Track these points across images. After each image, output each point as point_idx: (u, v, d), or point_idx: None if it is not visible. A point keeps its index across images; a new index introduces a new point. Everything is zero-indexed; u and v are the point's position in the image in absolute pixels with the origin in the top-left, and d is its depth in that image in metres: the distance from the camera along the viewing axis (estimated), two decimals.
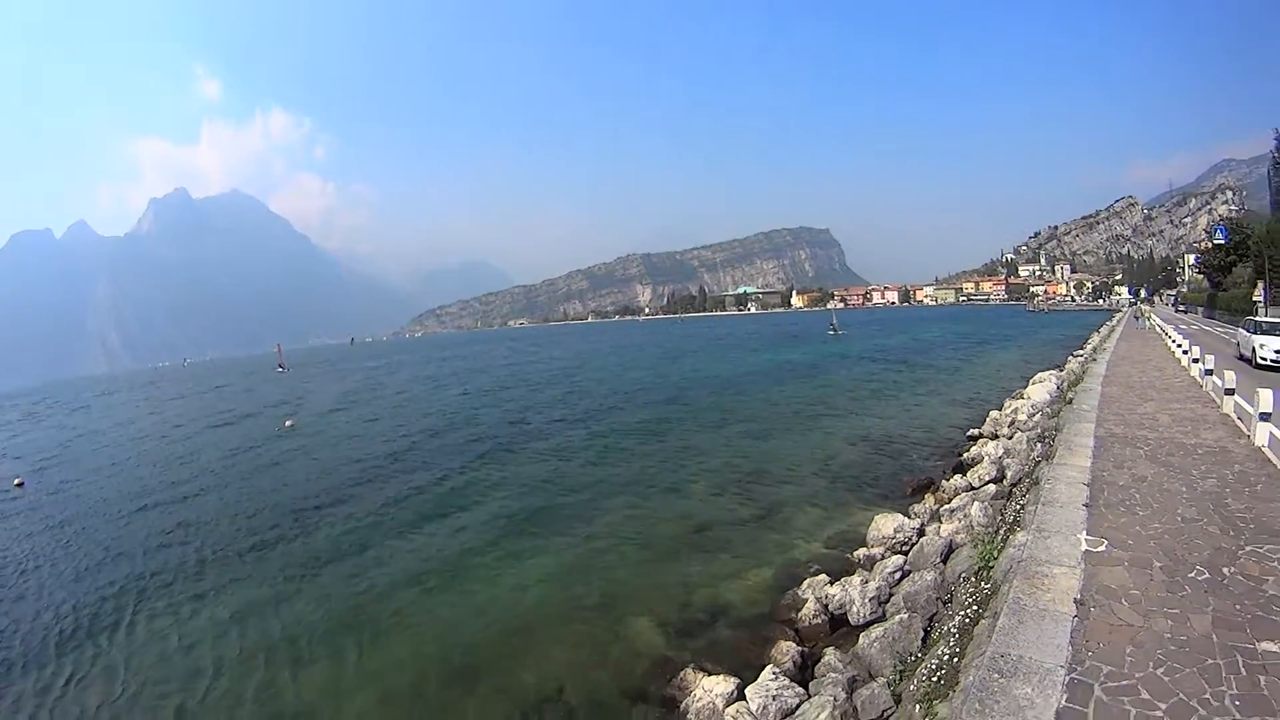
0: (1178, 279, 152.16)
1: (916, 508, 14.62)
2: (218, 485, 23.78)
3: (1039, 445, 14.63)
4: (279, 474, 24.95)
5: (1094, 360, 28.91)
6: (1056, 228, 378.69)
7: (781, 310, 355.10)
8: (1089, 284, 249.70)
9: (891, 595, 10.09)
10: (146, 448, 35.70)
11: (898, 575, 10.72)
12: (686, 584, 12.35)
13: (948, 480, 16.46)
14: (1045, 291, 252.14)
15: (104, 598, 14.19)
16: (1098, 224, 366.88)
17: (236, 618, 12.65)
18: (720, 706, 8.01)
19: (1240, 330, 28.53)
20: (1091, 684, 5.24)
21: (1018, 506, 10.22)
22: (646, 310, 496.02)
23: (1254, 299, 48.86)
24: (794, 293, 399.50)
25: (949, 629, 7.14)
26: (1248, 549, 7.40)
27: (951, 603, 8.50)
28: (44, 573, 16.25)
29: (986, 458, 16.71)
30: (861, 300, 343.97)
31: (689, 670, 8.96)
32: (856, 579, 10.63)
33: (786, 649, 9.14)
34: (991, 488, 14.07)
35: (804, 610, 10.42)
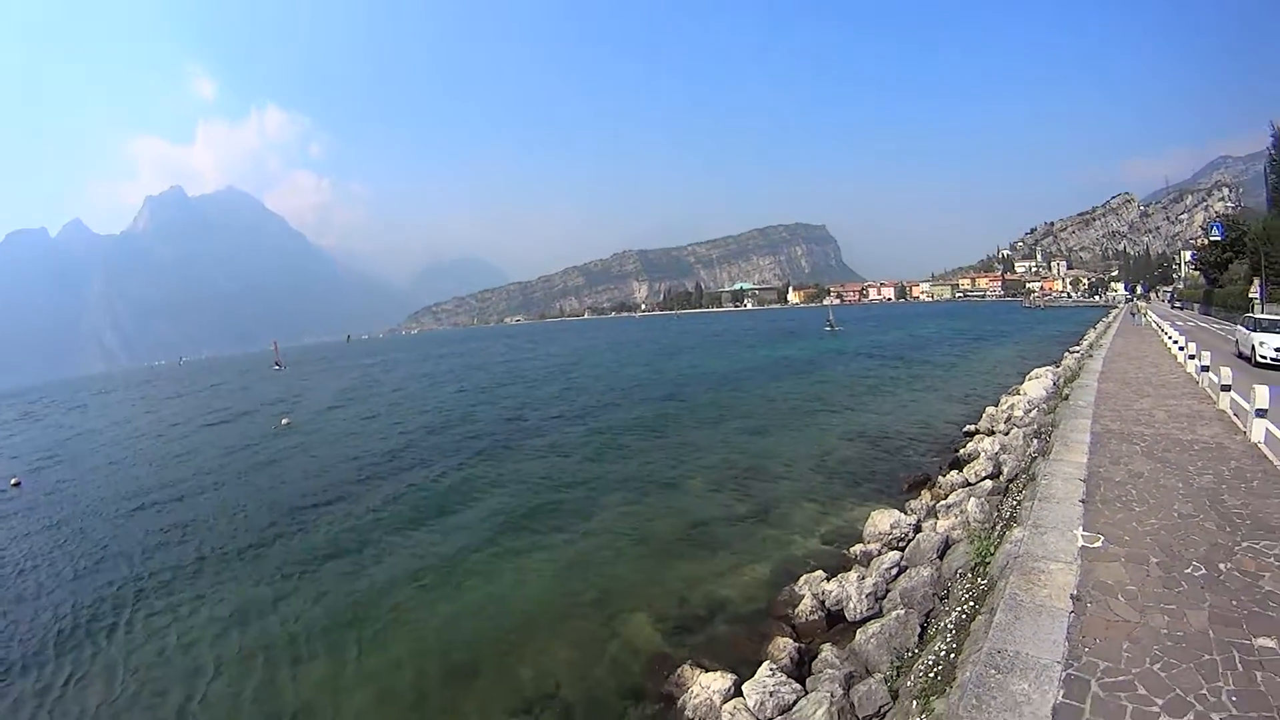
0: (1174, 275, 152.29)
1: (913, 504, 14.66)
2: (215, 484, 23.75)
3: (1035, 441, 14.64)
4: (276, 472, 24.92)
5: (1090, 356, 28.92)
6: (1053, 224, 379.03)
7: (778, 307, 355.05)
8: (1085, 280, 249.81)
9: (888, 591, 10.09)
10: (143, 446, 35.63)
11: (894, 571, 10.73)
12: (684, 580, 12.37)
13: (944, 476, 16.47)
14: (1041, 288, 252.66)
15: (102, 597, 14.18)
16: (1094, 220, 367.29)
17: (235, 616, 12.66)
18: (718, 703, 8.02)
19: (1239, 328, 27.81)
20: (1088, 680, 5.24)
21: (1014, 502, 10.22)
22: (643, 307, 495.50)
23: (1250, 295, 48.90)
24: (790, 289, 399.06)
25: (946, 625, 7.14)
26: (1244, 545, 7.41)
27: (948, 599, 8.50)
28: (42, 572, 16.23)
29: (983, 454, 16.71)
30: (858, 296, 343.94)
31: (686, 667, 8.97)
32: (853, 575, 10.65)
33: (783, 645, 9.14)
34: (988, 484, 14.07)
35: (801, 606, 10.43)
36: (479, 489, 19.98)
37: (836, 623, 10.08)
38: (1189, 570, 6.90)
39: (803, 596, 10.67)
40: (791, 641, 9.31)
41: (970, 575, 8.15)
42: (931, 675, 6.11)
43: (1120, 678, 5.23)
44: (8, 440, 46.19)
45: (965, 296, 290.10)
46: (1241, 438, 12.20)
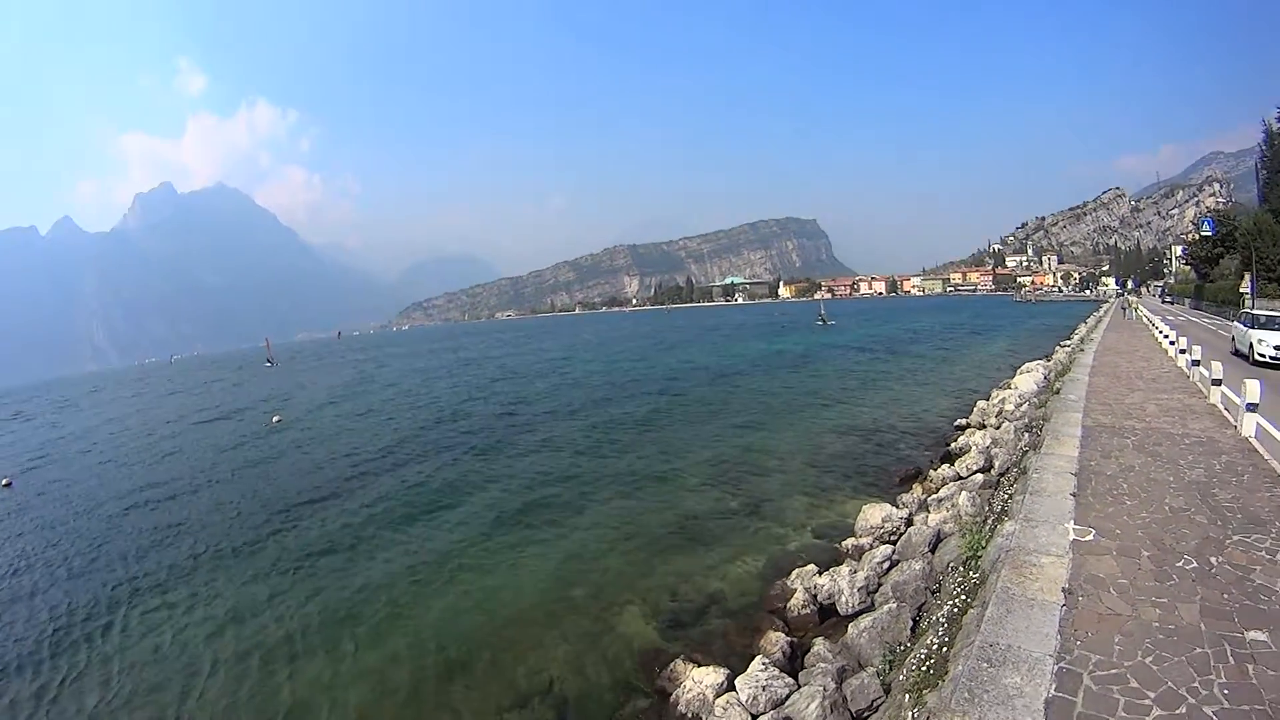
0: (1165, 270, 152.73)
1: (904, 497, 14.67)
2: (207, 482, 23.64)
3: (1026, 435, 14.66)
4: (269, 470, 24.81)
5: (1081, 350, 29.02)
6: (1044, 219, 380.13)
7: (769, 301, 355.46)
8: (1076, 275, 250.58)
9: (880, 585, 10.11)
10: (135, 445, 35.42)
11: (886, 565, 10.74)
12: (676, 574, 12.37)
13: (935, 470, 16.50)
14: (1032, 282, 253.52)
15: (96, 597, 14.10)
16: (1085, 215, 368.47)
17: (230, 614, 12.60)
18: (710, 697, 8.00)
19: (1235, 324, 26.82)
20: (1080, 673, 5.23)
21: (1005, 496, 10.22)
22: (634, 301, 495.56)
23: (1241, 290, 49.16)
24: (781, 283, 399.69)
25: (937, 619, 7.13)
26: (1235, 539, 7.41)
27: (940, 592, 8.50)
28: (36, 573, 16.12)
29: (974, 447, 16.73)
30: (849, 291, 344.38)
31: (679, 661, 8.96)
32: (845, 569, 10.65)
33: (776, 639, 9.12)
34: (979, 477, 14.07)
35: (793, 600, 10.42)
36: (472, 484, 19.92)
37: (828, 616, 10.08)
38: (1180, 564, 6.90)
39: (795, 590, 10.65)
40: (784, 635, 9.31)
41: (962, 569, 8.15)
42: (924, 669, 6.10)
43: (1112, 671, 5.22)
44: None
45: (956, 290, 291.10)
46: (1232, 432, 12.24)
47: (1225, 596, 6.18)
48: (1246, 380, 11.99)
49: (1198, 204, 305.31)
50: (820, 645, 8.77)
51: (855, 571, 10.44)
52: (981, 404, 23.32)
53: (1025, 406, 20.02)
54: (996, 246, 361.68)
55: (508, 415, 32.38)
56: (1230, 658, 5.28)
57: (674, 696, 8.33)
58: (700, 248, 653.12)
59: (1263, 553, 7.01)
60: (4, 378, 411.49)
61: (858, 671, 7.75)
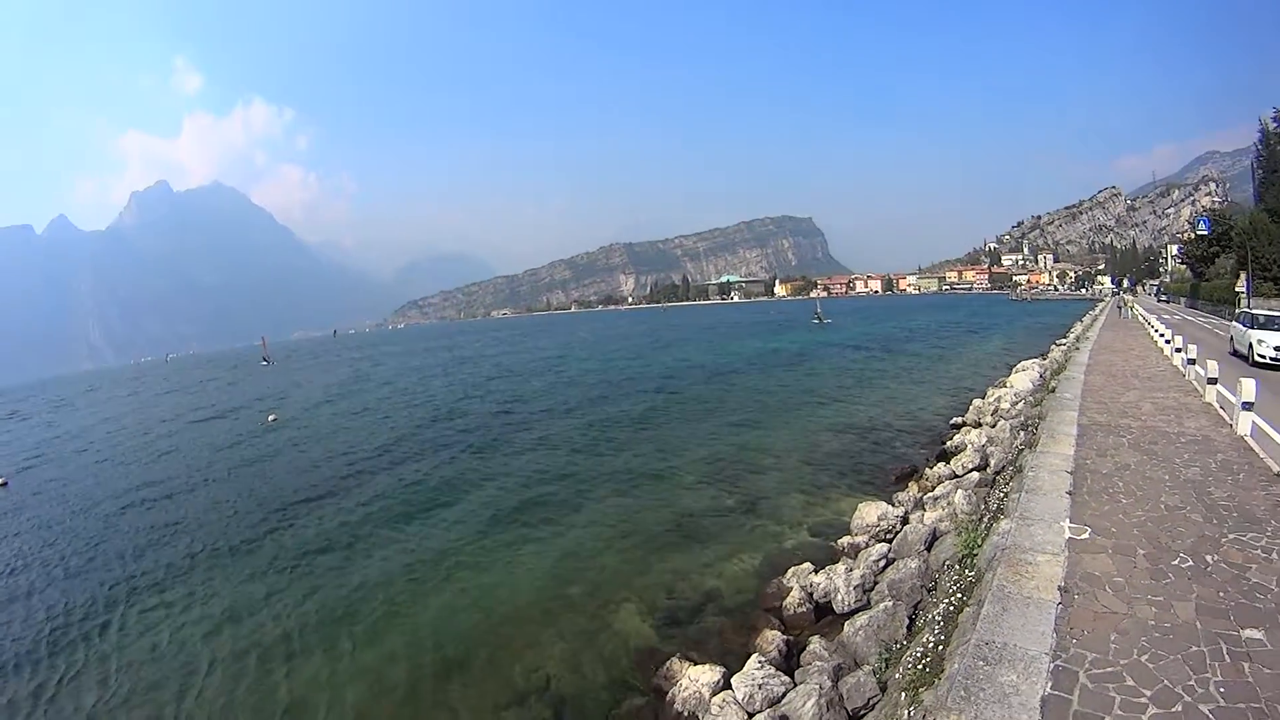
0: (1160, 269, 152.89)
1: (900, 496, 14.67)
2: (203, 481, 23.58)
3: (1022, 433, 14.67)
4: (265, 469, 24.75)
5: (1077, 349, 29.04)
6: (1040, 217, 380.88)
7: (765, 299, 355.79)
8: (1072, 273, 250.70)
9: (876, 583, 10.10)
10: (131, 444, 35.28)
11: (882, 563, 10.74)
12: (673, 572, 12.37)
13: (931, 468, 16.53)
14: (1028, 281, 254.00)
15: (94, 596, 14.07)
16: (1081, 214, 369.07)
17: (227, 613, 12.58)
18: (706, 696, 8.00)
19: (1234, 324, 25.64)
20: (1076, 671, 5.23)
21: (1001, 494, 10.24)
22: (630, 300, 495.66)
23: (1237, 290, 49.26)
24: (777, 282, 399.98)
25: (933, 617, 7.13)
26: (1231, 537, 7.43)
27: (936, 590, 8.51)
28: (33, 572, 16.07)
29: (970, 446, 16.76)
30: (845, 289, 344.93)
31: (675, 659, 8.95)
32: (841, 567, 10.64)
33: (772, 638, 9.12)
34: (975, 475, 14.10)
35: (789, 599, 10.43)
36: (469, 483, 19.91)
37: (825, 615, 10.07)
38: (1176, 562, 6.91)
39: (791, 589, 10.65)
40: (780, 634, 9.31)
41: (958, 567, 8.15)
42: (920, 667, 6.10)
43: (1108, 669, 5.22)
44: None
45: (952, 289, 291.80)
46: (1228, 431, 12.27)
47: (1221, 595, 6.19)
48: (1242, 379, 12.01)
49: (1194, 203, 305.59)
50: (816, 643, 8.77)
51: (851, 570, 10.43)
52: (977, 402, 23.34)
53: (1021, 405, 20.03)
54: (992, 245, 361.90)
55: (504, 413, 32.35)
56: (1226, 656, 5.29)
57: (670, 695, 8.32)
58: (696, 246, 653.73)
59: (1258, 551, 7.02)
60: (0, 377, 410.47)
61: (854, 670, 7.75)
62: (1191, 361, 18.72)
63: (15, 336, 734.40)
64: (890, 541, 11.72)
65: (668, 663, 8.94)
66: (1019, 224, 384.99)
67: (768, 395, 32.56)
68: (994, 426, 18.38)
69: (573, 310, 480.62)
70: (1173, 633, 5.64)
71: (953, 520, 11.18)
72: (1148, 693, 4.90)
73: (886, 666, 7.34)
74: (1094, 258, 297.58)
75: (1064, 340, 40.72)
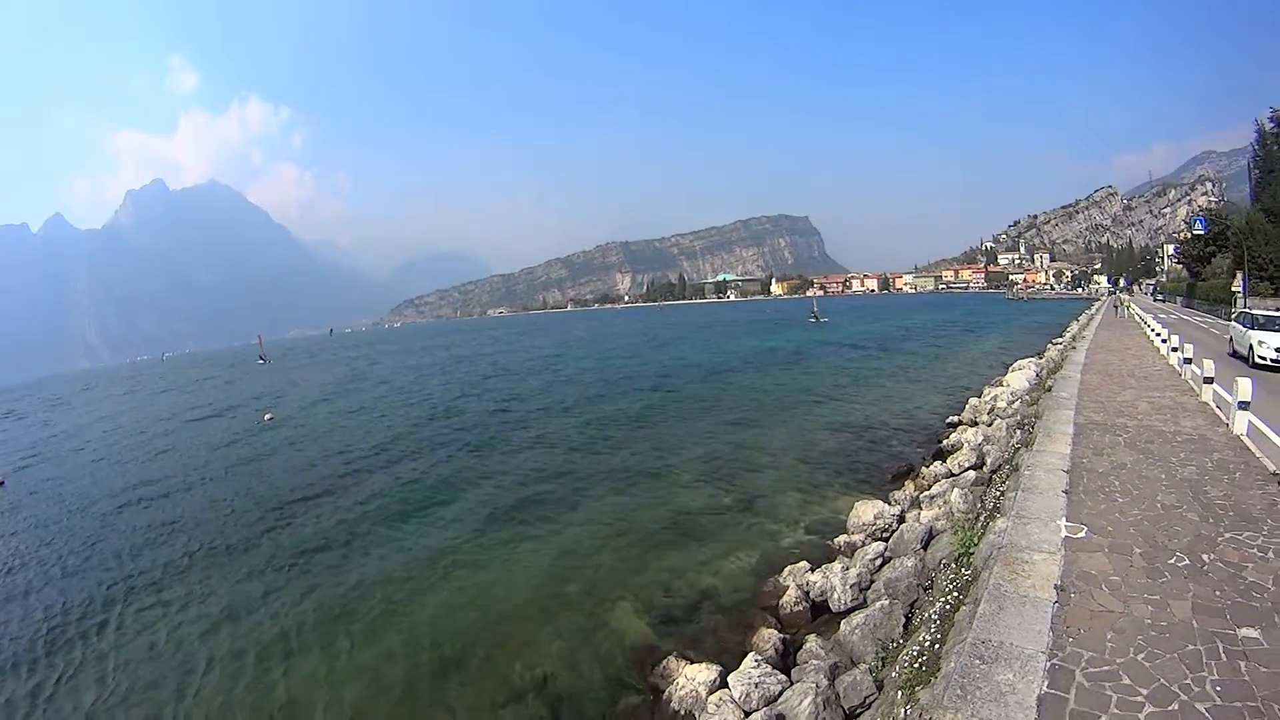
0: (1157, 269, 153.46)
1: (897, 494, 14.70)
2: (200, 480, 23.52)
3: (1019, 432, 14.68)
4: (261, 468, 24.70)
5: (1073, 348, 29.07)
6: (1036, 217, 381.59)
7: (762, 298, 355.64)
8: (1068, 273, 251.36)
9: (872, 582, 10.10)
10: (127, 443, 35.16)
11: (878, 562, 10.74)
12: (669, 571, 12.37)
13: (928, 467, 16.52)
14: (1025, 280, 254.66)
15: (91, 596, 14.03)
16: (1077, 213, 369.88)
17: (225, 612, 12.56)
18: (703, 694, 7.99)
19: (1234, 324, 25.07)
20: (1073, 670, 5.24)
21: (997, 493, 10.24)
22: (626, 298, 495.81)
23: (1233, 289, 49.36)
24: (774, 280, 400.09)
25: (930, 615, 7.13)
26: (1227, 536, 7.44)
27: (932, 589, 8.50)
28: (30, 571, 16.02)
29: (966, 444, 16.76)
30: (841, 288, 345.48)
31: (672, 658, 8.95)
32: (838, 566, 10.64)
33: (768, 636, 9.12)
34: (971, 474, 14.10)
35: (786, 597, 10.42)
36: (465, 481, 19.88)
37: (821, 613, 10.07)
38: (1172, 561, 6.92)
39: (787, 587, 10.65)
40: (776, 632, 9.30)
41: (954, 565, 8.15)
42: (916, 665, 6.10)
43: (1105, 668, 5.23)
44: None
45: (949, 288, 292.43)
46: (1224, 430, 12.29)
47: (1217, 593, 6.21)
48: (1238, 378, 12.03)
49: (1190, 203, 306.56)
50: (813, 642, 8.77)
51: (848, 568, 10.43)
52: (974, 401, 23.38)
53: (1017, 404, 20.05)
54: (989, 244, 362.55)
55: (501, 412, 32.31)
56: (1223, 654, 5.30)
57: (667, 693, 8.32)
58: (693, 244, 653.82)
59: (1255, 550, 7.04)
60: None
61: (850, 668, 7.76)
62: (1188, 361, 18.74)
63: (11, 335, 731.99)
64: (887, 540, 11.72)
65: (664, 661, 8.94)
66: (1016, 223, 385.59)
67: (764, 394, 32.55)
68: (990, 425, 18.39)
69: (569, 309, 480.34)
70: (1169, 631, 5.65)
71: (949, 519, 11.18)
72: (1144, 691, 4.90)
73: (883, 665, 7.35)
74: (1090, 257, 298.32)
75: (1060, 339, 40.76)
